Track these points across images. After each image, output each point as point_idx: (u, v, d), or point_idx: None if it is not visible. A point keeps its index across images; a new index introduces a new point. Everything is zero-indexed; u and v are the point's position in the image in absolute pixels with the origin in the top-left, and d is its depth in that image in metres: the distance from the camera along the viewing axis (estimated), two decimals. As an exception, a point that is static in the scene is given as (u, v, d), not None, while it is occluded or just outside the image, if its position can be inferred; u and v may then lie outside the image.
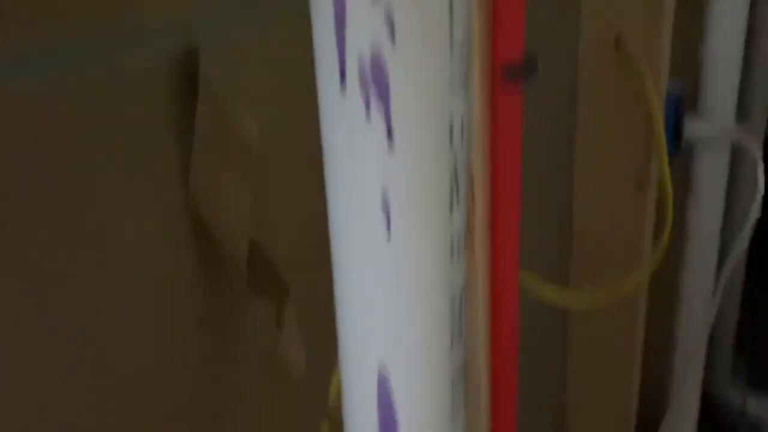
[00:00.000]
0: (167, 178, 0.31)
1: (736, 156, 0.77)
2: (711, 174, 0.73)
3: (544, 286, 0.58)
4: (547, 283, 0.59)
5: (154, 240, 0.32)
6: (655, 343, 0.90)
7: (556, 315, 0.75)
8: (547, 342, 0.76)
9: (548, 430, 0.82)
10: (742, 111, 0.75)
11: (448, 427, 0.25)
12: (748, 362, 1.46)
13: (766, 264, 1.43)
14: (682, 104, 0.72)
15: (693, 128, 0.71)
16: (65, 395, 0.28)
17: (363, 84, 0.19)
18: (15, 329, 0.26)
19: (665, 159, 0.62)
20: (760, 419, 1.34)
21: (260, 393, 0.37)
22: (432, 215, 0.21)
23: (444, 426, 0.25)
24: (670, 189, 0.62)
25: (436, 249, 0.21)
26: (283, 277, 0.33)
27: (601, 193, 0.68)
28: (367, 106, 0.19)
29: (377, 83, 0.19)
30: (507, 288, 0.37)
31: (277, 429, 0.39)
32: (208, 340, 0.35)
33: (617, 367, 0.77)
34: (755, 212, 0.68)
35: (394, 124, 0.20)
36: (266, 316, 0.34)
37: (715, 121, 0.70)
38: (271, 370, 0.34)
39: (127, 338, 0.31)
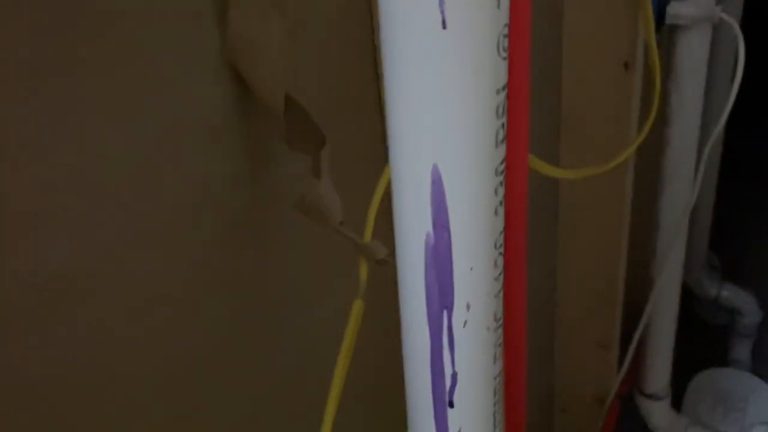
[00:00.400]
0: (204, 29, 0.33)
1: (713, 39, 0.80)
2: (694, 55, 0.75)
3: (535, 160, 0.61)
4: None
5: (193, 92, 0.33)
6: (641, 230, 0.94)
7: (546, 191, 0.78)
8: (538, 221, 0.79)
9: (542, 296, 0.87)
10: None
11: (492, 221, 0.28)
12: (721, 257, 1.53)
13: (736, 167, 1.49)
14: (665, -13, 0.74)
15: (676, 10, 0.73)
16: (113, 216, 0.30)
17: None
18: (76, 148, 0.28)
19: (653, 35, 0.65)
20: (733, 306, 1.42)
21: (299, 237, 0.39)
22: (485, 14, 0.23)
23: (489, 220, 0.28)
24: (658, 64, 0.64)
25: (485, 41, 0.24)
26: (319, 127, 0.35)
27: (590, 74, 0.70)
28: None
29: None
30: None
31: (317, 267, 0.42)
32: (248, 189, 0.37)
33: (606, 241, 0.81)
34: (736, 87, 0.71)
35: None
36: (302, 166, 0.36)
37: (698, 2, 0.73)
38: (310, 216, 0.36)
39: (164, 188, 0.33)
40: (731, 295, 1.41)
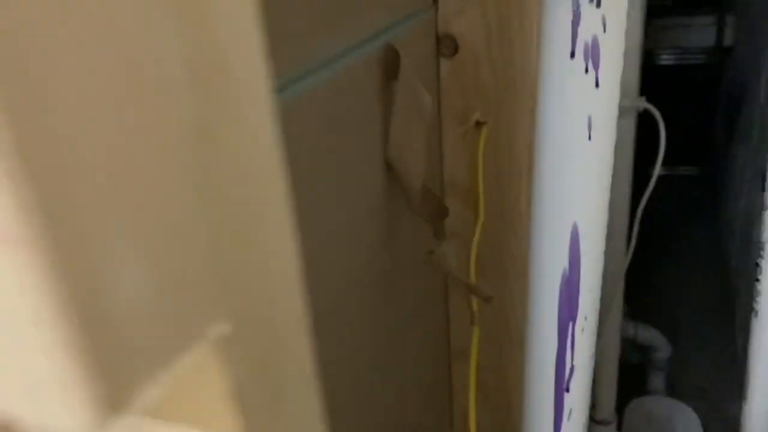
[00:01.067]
0: (374, 138, 0.46)
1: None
2: (624, 136, 0.95)
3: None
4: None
5: (365, 179, 0.46)
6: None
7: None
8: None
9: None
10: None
11: (601, 258, 0.42)
12: (635, 302, 1.76)
13: (645, 224, 1.73)
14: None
15: (611, 102, 0.94)
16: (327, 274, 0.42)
17: (585, 57, 0.36)
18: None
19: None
20: (648, 344, 1.63)
21: (426, 279, 0.52)
22: (609, 129, 0.39)
23: (601, 257, 0.42)
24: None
25: (610, 147, 0.39)
26: (444, 204, 0.49)
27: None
28: (586, 69, 0.37)
29: (593, 56, 0.36)
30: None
31: (433, 296, 0.54)
32: (394, 243, 0.50)
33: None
34: (659, 162, 0.91)
35: (600, 79, 0.37)
36: (428, 230, 0.49)
37: (626, 94, 0.93)
38: (435, 267, 0.49)
39: (339, 238, 0.45)
40: (646, 334, 1.62)
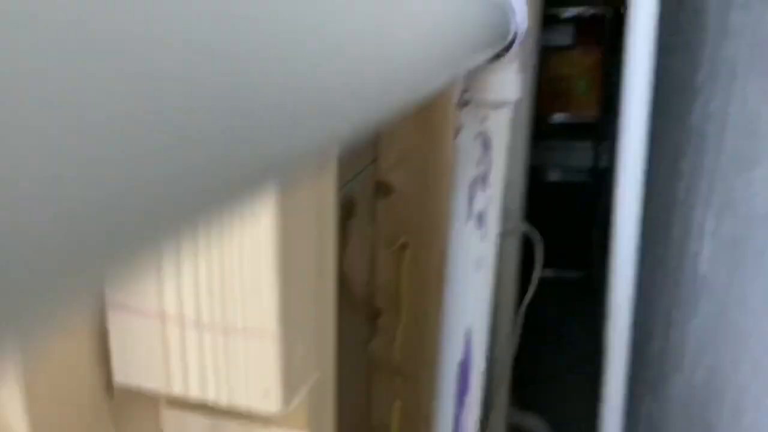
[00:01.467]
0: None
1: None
2: (510, 252, 1.19)
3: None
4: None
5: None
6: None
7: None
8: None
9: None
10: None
11: (485, 341, 0.62)
12: (521, 392, 1.97)
13: (532, 322, 1.97)
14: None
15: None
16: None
17: (476, 221, 0.58)
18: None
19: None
20: (531, 430, 1.84)
21: (356, 364, 0.70)
22: (491, 263, 0.60)
23: (485, 341, 0.62)
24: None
25: (492, 274, 0.60)
26: (379, 307, 0.68)
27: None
28: (477, 227, 0.58)
29: (481, 221, 0.58)
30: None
31: (366, 380, 0.72)
32: (344, 338, 0.68)
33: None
34: (536, 277, 1.15)
35: (486, 234, 0.58)
36: (370, 329, 0.68)
37: (512, 216, 1.17)
38: (370, 353, 0.68)
39: None
40: (531, 421, 1.83)
